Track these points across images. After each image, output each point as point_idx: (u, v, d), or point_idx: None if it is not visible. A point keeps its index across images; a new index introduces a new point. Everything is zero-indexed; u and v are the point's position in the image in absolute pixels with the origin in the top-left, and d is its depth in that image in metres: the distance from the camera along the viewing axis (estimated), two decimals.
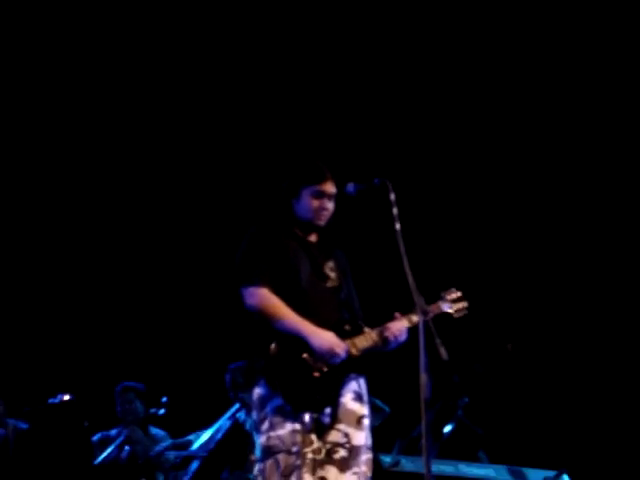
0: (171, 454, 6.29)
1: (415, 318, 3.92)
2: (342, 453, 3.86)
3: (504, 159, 7.42)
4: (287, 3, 7.03)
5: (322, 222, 4.05)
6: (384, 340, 3.95)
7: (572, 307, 7.30)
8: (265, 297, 3.88)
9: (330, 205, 4.04)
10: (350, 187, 4.00)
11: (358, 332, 3.96)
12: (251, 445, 5.72)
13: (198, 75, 7.24)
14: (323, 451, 3.85)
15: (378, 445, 4.86)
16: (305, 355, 3.85)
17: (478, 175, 7.44)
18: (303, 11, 7.03)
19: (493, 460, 5.79)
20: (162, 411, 6.30)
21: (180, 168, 7.45)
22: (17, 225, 7.30)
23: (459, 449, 5.74)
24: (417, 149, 7.39)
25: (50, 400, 5.77)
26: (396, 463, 5.30)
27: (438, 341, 3.68)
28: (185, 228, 7.52)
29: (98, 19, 7.02)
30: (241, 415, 6.01)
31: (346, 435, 3.87)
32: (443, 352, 3.64)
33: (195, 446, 6.04)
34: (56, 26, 7.00)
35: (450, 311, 4.11)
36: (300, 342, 3.84)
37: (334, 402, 3.87)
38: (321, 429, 3.86)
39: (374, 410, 5.53)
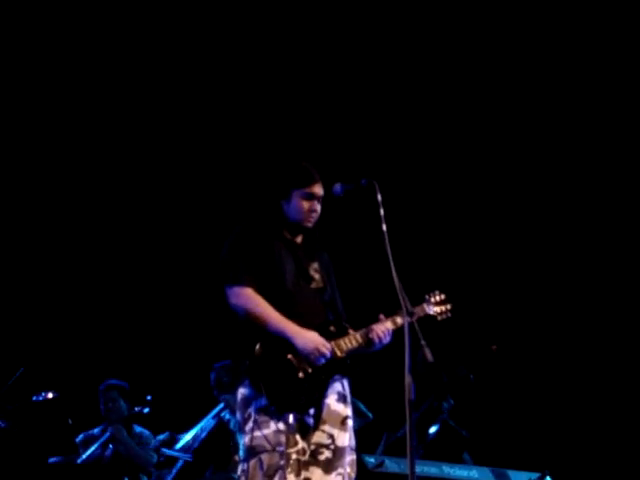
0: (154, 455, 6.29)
1: (399, 320, 3.94)
2: (326, 454, 3.86)
3: (489, 161, 7.44)
4: (275, 3, 7.02)
5: (310, 224, 4.06)
6: (368, 341, 3.96)
7: (555, 310, 7.32)
8: (249, 297, 3.88)
9: (319, 207, 4.06)
10: (337, 188, 4.00)
11: (343, 333, 3.97)
12: (235, 444, 5.72)
13: (190, 77, 7.23)
14: (307, 452, 3.85)
15: (362, 447, 4.88)
16: (290, 356, 3.85)
17: (463, 177, 7.46)
18: (291, 11, 7.03)
19: (477, 462, 5.81)
20: (147, 409, 6.29)
21: (167, 166, 7.44)
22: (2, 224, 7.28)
23: (443, 451, 5.76)
24: (404, 150, 7.40)
25: (34, 397, 5.74)
26: (380, 464, 5.30)
27: (423, 343, 3.69)
28: (170, 227, 7.51)
29: (98, 19, 7.01)
30: (225, 414, 6.00)
31: (330, 436, 3.88)
32: (428, 354, 3.64)
33: (179, 445, 6.03)
34: (56, 26, 6.99)
35: (434, 313, 4.12)
36: (284, 343, 3.84)
37: (318, 403, 3.88)
38: (305, 430, 3.86)
39: (357, 414, 5.57)
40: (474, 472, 5.53)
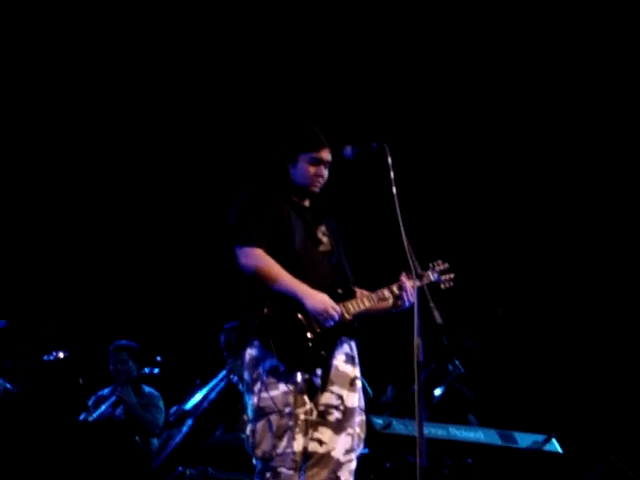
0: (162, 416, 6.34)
1: (425, 278, 3.96)
2: (336, 415, 3.89)
3: (501, 125, 7.41)
4: None
5: (317, 189, 4.06)
6: (395, 299, 3.96)
7: (561, 273, 7.33)
8: (260, 257, 3.89)
9: (326, 172, 4.05)
10: (348, 150, 4.00)
11: (350, 296, 3.98)
12: (244, 405, 5.77)
13: (192, 38, 7.20)
14: (315, 412, 3.88)
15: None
16: (299, 315, 3.87)
17: (474, 141, 7.43)
18: None
19: (482, 424, 5.85)
20: (156, 370, 6.33)
21: (178, 126, 7.43)
22: (12, 188, 7.31)
23: (448, 412, 5.80)
24: (415, 114, 7.37)
25: (45, 357, 5.79)
26: (388, 425, 5.34)
27: (432, 305, 3.72)
28: (180, 188, 7.52)
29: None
30: (234, 376, 6.04)
31: (339, 397, 3.91)
32: (437, 316, 3.67)
33: (189, 405, 6.08)
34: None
35: (437, 281, 4.11)
36: (294, 302, 3.86)
37: (326, 364, 3.90)
38: (313, 391, 3.89)
39: None
40: (480, 434, 5.56)
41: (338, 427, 3.89)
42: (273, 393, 3.83)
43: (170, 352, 6.57)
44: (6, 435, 5.05)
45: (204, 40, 7.22)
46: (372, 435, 5.16)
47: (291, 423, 3.80)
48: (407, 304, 3.93)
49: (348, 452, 3.90)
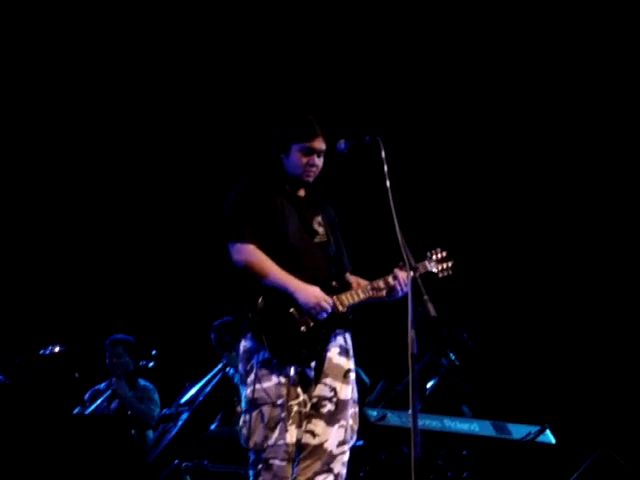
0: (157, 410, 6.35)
1: (421, 268, 4.00)
2: (329, 407, 3.91)
3: (495, 118, 7.42)
4: None
5: (310, 179, 4.04)
6: (389, 290, 3.97)
7: (554, 265, 7.35)
8: (251, 253, 3.90)
9: (319, 161, 4.02)
10: (341, 144, 4.00)
11: (345, 288, 3.99)
12: (239, 398, 5.79)
13: (186, 31, 7.20)
14: (309, 404, 3.90)
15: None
16: (292, 309, 3.88)
17: (468, 134, 7.44)
18: None
19: (476, 415, 5.88)
20: (151, 364, 6.35)
21: (171, 118, 7.42)
22: (9, 184, 7.31)
23: (442, 404, 5.82)
24: (409, 107, 7.38)
25: (41, 351, 5.79)
26: (383, 417, 5.36)
27: (426, 297, 3.73)
28: (174, 183, 7.51)
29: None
30: (230, 369, 6.06)
31: (333, 389, 3.92)
32: (431, 308, 3.69)
33: (184, 399, 6.09)
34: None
35: (435, 270, 4.12)
36: (287, 297, 3.87)
37: (320, 356, 3.91)
38: (307, 383, 3.91)
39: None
40: (475, 425, 5.59)
41: (331, 419, 3.90)
42: (266, 385, 3.84)
43: (165, 346, 6.58)
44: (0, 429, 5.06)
45: (198, 32, 7.22)
46: (367, 427, 5.19)
47: (283, 415, 3.82)
48: (400, 294, 3.93)
49: (341, 444, 3.91)
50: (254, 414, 3.86)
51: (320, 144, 4.00)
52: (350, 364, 4.01)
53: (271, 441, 3.82)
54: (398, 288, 3.94)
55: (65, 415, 5.95)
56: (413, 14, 7.20)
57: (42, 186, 7.38)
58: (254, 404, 3.86)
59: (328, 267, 4.04)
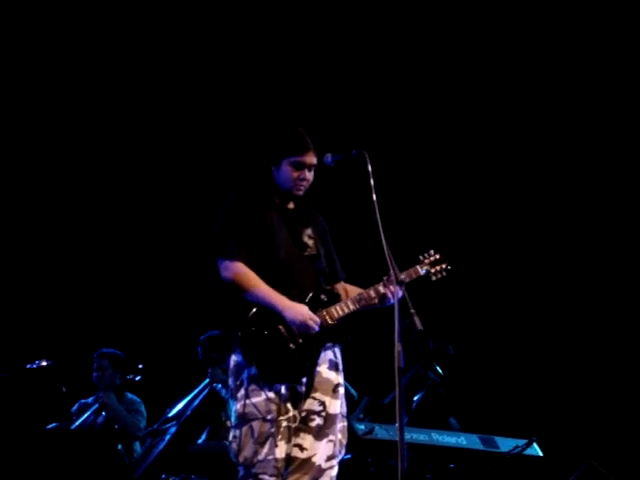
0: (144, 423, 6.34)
1: (414, 273, 4.01)
2: (318, 421, 3.91)
3: (480, 129, 7.45)
4: None
5: (300, 192, 4.03)
6: (382, 297, 3.96)
7: (541, 281, 7.37)
8: (239, 271, 3.89)
9: (310, 176, 4.02)
10: (328, 158, 4.00)
11: (334, 301, 3.99)
12: (227, 412, 5.78)
13: (186, 43, 7.22)
14: (298, 418, 3.90)
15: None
16: (281, 327, 3.88)
17: (453, 148, 7.47)
18: None
19: (463, 428, 5.88)
20: (138, 377, 6.33)
21: (157, 130, 7.43)
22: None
23: (429, 417, 5.83)
24: (395, 121, 7.41)
25: (28, 365, 5.77)
26: (370, 431, 5.37)
27: (412, 311, 3.74)
28: (163, 197, 7.51)
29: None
30: (217, 384, 6.05)
31: (322, 403, 3.92)
32: (417, 322, 3.70)
33: (172, 413, 6.08)
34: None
35: (427, 274, 4.07)
36: (275, 314, 3.87)
37: (310, 372, 3.91)
38: (297, 398, 3.90)
39: None
40: (462, 439, 5.60)
41: (319, 433, 3.90)
42: (255, 400, 3.84)
43: (153, 360, 6.57)
44: None
45: (191, 47, 7.23)
46: (354, 441, 5.19)
47: (273, 430, 3.81)
48: (391, 300, 3.89)
49: (330, 458, 3.91)
50: (244, 429, 3.85)
51: (311, 158, 4.00)
52: (339, 378, 4.01)
53: (261, 456, 3.81)
54: (389, 295, 3.92)
55: (51, 429, 5.94)
56: (397, 25, 7.23)
57: (28, 198, 7.36)
58: (244, 419, 3.86)
59: (318, 281, 4.04)
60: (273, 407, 3.83)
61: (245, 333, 3.85)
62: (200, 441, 6.18)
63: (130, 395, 6.52)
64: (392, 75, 7.35)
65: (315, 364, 3.92)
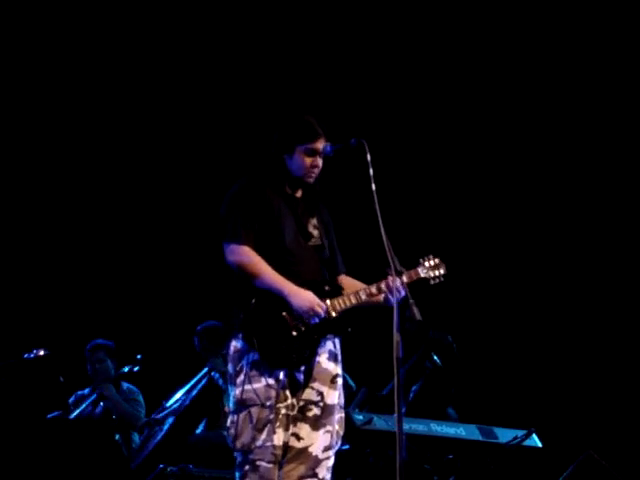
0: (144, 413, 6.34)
1: (414, 274, 4.00)
2: (315, 411, 3.91)
3: (480, 120, 7.44)
4: None
5: (312, 180, 4.05)
6: (385, 295, 3.95)
7: (540, 269, 7.37)
8: (247, 255, 3.90)
9: (320, 162, 4.04)
10: (327, 147, 4.01)
11: (337, 293, 4.00)
12: (225, 401, 5.78)
13: (192, 37, 7.20)
14: (296, 407, 3.90)
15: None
16: (284, 313, 3.88)
17: (452, 139, 7.46)
18: None
19: (462, 419, 5.88)
20: (137, 368, 6.33)
21: (168, 116, 7.40)
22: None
23: (427, 406, 5.82)
24: (394, 111, 7.39)
25: (25, 355, 5.77)
26: (369, 421, 5.36)
27: (411, 301, 3.74)
28: (158, 186, 7.49)
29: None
30: (215, 373, 6.05)
31: (320, 394, 3.92)
32: (416, 312, 3.69)
33: (170, 402, 6.08)
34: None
35: (427, 277, 4.08)
36: (279, 300, 3.87)
37: (309, 361, 3.92)
38: (295, 386, 3.91)
39: None
40: (461, 429, 5.59)
41: (316, 423, 3.91)
42: (255, 386, 3.84)
43: (149, 350, 6.56)
44: None
45: (194, 36, 7.21)
46: (353, 431, 5.18)
47: (272, 416, 3.82)
48: (393, 301, 3.88)
49: (327, 449, 3.92)
50: (242, 415, 3.85)
51: (323, 145, 4.02)
52: (338, 369, 4.01)
53: (259, 442, 3.82)
54: (389, 296, 3.92)
55: (48, 419, 5.94)
56: (400, 17, 7.22)
57: (23, 192, 7.34)
58: (243, 405, 3.86)
59: (321, 271, 4.05)
60: (272, 393, 3.83)
61: (248, 316, 3.86)
62: (198, 431, 6.18)
63: (127, 385, 6.52)
64: (392, 65, 7.34)
65: (315, 353, 3.93)
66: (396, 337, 3.57)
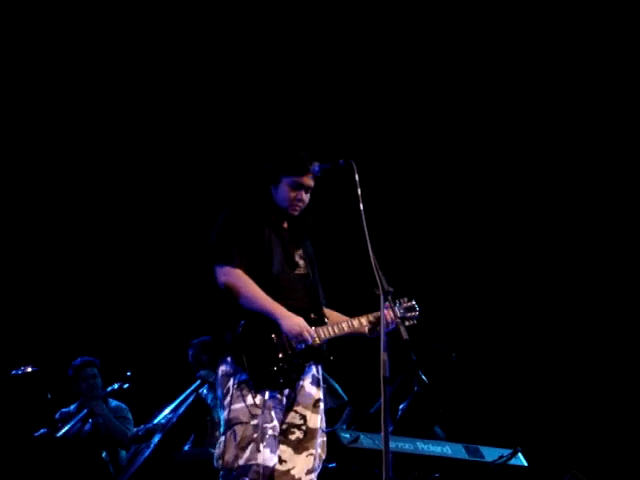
0: (134, 429, 6.33)
1: (398, 311, 4.04)
2: (297, 434, 3.96)
3: (467, 142, 7.48)
4: None
5: (295, 213, 4.11)
6: (371, 329, 4.05)
7: (528, 293, 7.40)
8: (239, 277, 3.95)
9: (306, 197, 4.10)
10: (315, 167, 4.05)
11: (322, 322, 4.05)
12: (212, 420, 5.79)
13: (184, 62, 7.23)
14: (278, 430, 3.93)
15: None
16: (273, 335, 3.92)
17: (441, 159, 7.50)
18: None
19: (449, 438, 5.89)
20: (126, 385, 6.32)
21: (158, 143, 7.43)
22: None
23: (414, 425, 5.83)
24: (382, 131, 7.43)
25: (13, 372, 5.76)
26: (355, 439, 5.37)
27: (398, 320, 3.76)
28: (155, 206, 7.50)
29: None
30: (203, 390, 6.05)
31: (303, 417, 3.98)
32: (403, 332, 3.71)
33: (157, 419, 6.07)
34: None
35: (403, 317, 4.11)
36: (269, 323, 3.92)
37: (294, 385, 3.96)
38: (280, 409, 3.94)
39: (333, 395, 5.64)
40: (447, 448, 5.60)
41: (298, 446, 3.95)
42: (240, 405, 3.87)
43: (137, 367, 6.56)
44: None
45: (186, 63, 7.25)
46: (339, 449, 5.19)
47: (256, 435, 3.83)
48: (376, 334, 3.95)
49: (309, 472, 3.96)
50: (228, 434, 3.88)
51: (309, 181, 4.08)
52: (320, 394, 4.06)
53: (241, 461, 3.84)
54: (373, 331, 4.01)
55: (35, 437, 5.92)
56: (387, 35, 7.25)
57: (11, 202, 7.34)
58: (229, 424, 3.89)
59: (307, 299, 4.10)
60: (257, 411, 3.86)
61: (237, 337, 3.90)
62: (185, 448, 6.17)
63: (115, 402, 6.51)
64: (381, 85, 7.37)
65: (300, 378, 3.97)
66: (383, 356, 3.59)
